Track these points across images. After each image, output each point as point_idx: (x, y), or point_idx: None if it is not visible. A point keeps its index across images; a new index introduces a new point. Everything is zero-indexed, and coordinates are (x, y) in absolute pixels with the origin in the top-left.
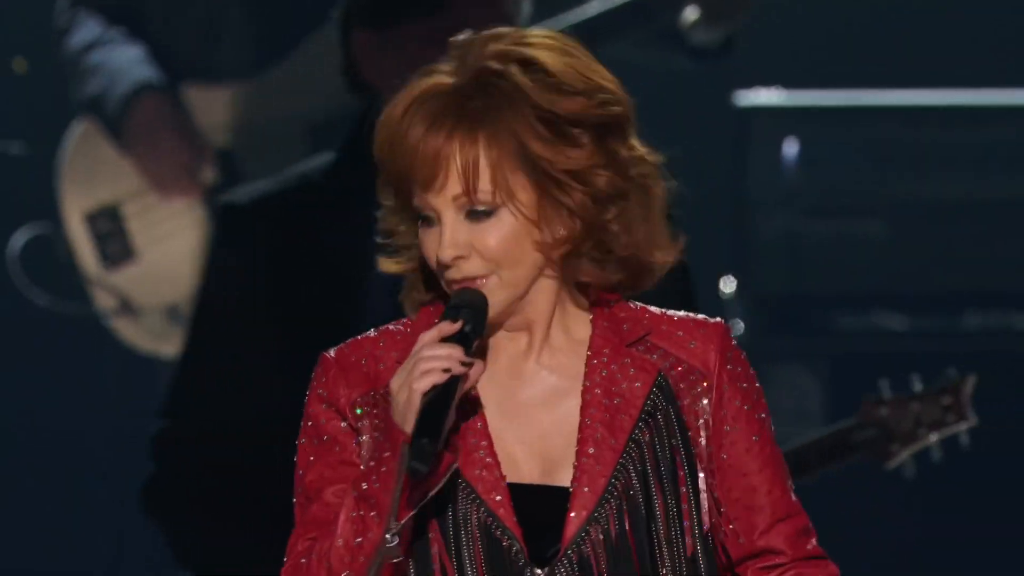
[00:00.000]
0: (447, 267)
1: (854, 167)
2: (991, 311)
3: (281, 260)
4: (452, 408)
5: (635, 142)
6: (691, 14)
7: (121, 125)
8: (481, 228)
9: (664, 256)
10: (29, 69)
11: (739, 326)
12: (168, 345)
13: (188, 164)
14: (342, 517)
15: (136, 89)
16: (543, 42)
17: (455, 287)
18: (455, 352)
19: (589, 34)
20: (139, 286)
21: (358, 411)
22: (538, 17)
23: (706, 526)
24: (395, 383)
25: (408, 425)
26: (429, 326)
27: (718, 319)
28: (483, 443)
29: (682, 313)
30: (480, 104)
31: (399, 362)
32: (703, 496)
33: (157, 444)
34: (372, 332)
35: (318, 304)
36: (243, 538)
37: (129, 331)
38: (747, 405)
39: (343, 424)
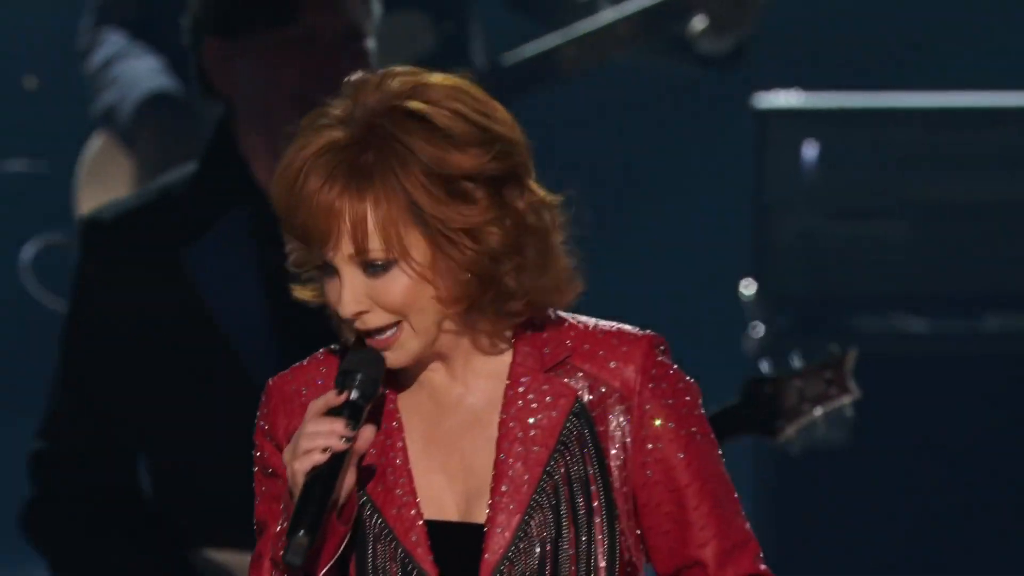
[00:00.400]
0: (351, 320)
1: (873, 169)
2: (1011, 313)
3: (147, 274)
4: (340, 482)
5: (533, 187)
6: (699, 23)
7: (133, 133)
8: (380, 281)
9: (563, 298)
10: (39, 86)
11: (759, 328)
12: None
13: None
14: None
15: (148, 98)
16: (436, 91)
17: (367, 341)
18: (337, 427)
19: (599, 43)
20: None
21: None
22: (548, 28)
23: (625, 555)
24: (285, 456)
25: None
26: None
27: (647, 332)
28: (402, 480)
29: (612, 327)
30: (372, 159)
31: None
32: (619, 525)
33: (34, 465)
34: (320, 354)
35: (186, 316)
36: (123, 558)
37: None
38: (671, 423)
39: (283, 457)
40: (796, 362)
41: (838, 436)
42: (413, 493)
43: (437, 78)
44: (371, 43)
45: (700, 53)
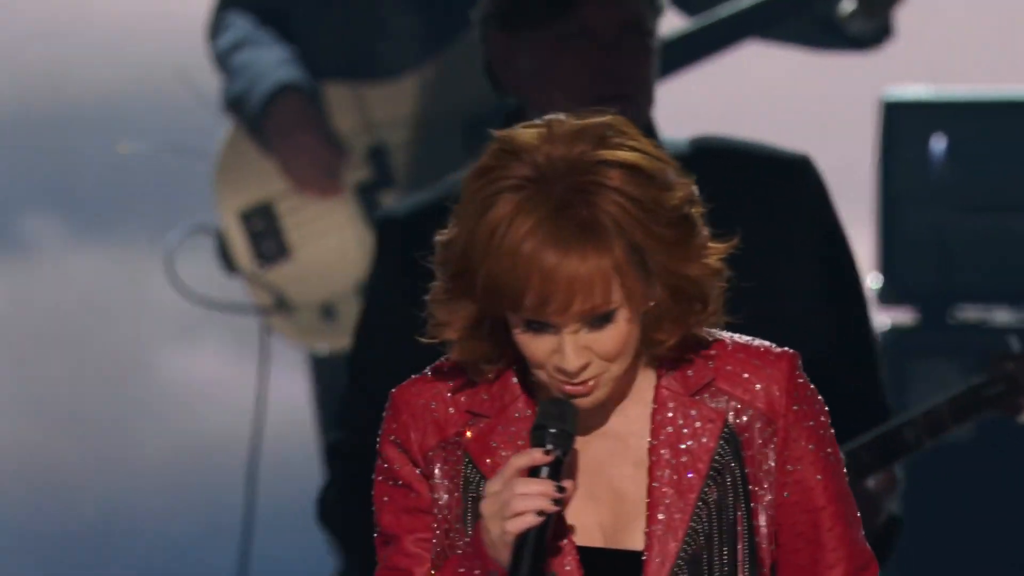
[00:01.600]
0: (570, 375)
1: (1001, 162)
2: None
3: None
4: (547, 536)
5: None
6: (848, 4)
7: (261, 125)
8: (601, 333)
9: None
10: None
11: (885, 323)
12: (322, 341)
13: (328, 164)
14: None
15: (276, 89)
16: (616, 134)
17: (567, 388)
18: (548, 489)
19: (741, 26)
20: (294, 283)
21: (435, 469)
22: (695, 9)
23: None
24: (487, 509)
25: (501, 559)
26: (507, 392)
27: (786, 351)
28: None
29: (751, 345)
30: (589, 215)
31: (468, 411)
32: (763, 550)
33: (329, 455)
34: (443, 364)
35: None
36: None
37: (284, 328)
38: (812, 444)
39: (417, 471)
40: None
41: (965, 433)
42: (563, 520)
43: (604, 120)
44: (654, 40)
45: (849, 35)
